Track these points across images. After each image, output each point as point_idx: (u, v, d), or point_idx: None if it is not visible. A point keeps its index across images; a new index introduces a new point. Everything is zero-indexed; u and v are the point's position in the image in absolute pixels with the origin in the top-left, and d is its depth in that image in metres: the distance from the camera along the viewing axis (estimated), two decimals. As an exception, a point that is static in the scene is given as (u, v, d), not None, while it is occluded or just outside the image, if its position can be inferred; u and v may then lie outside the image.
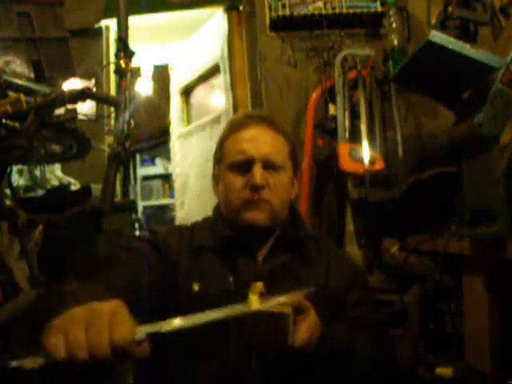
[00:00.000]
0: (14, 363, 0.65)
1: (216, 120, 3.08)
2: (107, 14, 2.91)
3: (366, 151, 2.16)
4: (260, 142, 1.14)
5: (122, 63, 2.09)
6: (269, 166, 1.13)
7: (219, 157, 1.21)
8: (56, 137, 1.90)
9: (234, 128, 1.19)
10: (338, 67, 2.34)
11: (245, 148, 1.13)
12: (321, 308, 0.98)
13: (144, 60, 3.75)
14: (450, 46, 1.35)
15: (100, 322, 0.68)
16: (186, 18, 3.12)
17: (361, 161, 2.13)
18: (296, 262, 1.15)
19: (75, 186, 2.53)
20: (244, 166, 1.13)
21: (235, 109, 2.80)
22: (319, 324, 0.94)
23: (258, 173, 1.11)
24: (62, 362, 0.67)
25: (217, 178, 1.22)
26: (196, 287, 1.06)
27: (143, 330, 0.71)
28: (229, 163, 1.15)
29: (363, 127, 2.23)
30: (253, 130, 1.16)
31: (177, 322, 0.76)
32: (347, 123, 2.27)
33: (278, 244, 1.16)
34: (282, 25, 2.52)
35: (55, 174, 2.54)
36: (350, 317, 1.11)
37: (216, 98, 3.23)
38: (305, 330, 0.90)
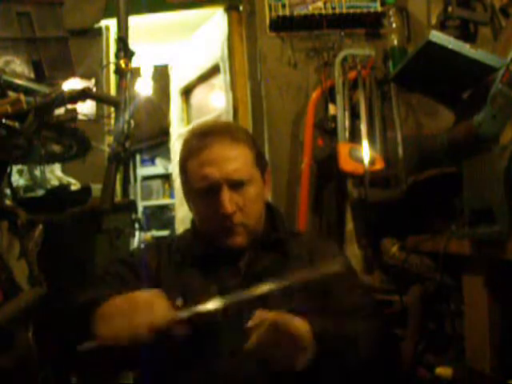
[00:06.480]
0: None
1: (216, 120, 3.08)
2: (107, 14, 2.90)
3: (366, 151, 2.16)
4: (222, 161, 1.09)
5: (122, 63, 2.08)
6: (235, 184, 1.09)
7: (184, 179, 1.17)
8: (56, 137, 1.90)
9: (192, 151, 1.13)
10: (338, 67, 2.34)
11: (207, 173, 1.08)
12: (312, 301, 0.99)
13: (144, 60, 3.74)
14: (450, 46, 1.36)
15: (138, 308, 0.81)
16: (186, 18, 3.12)
17: (361, 161, 2.13)
18: (279, 262, 1.13)
19: (75, 186, 2.52)
20: (210, 192, 1.09)
21: (235, 109, 2.80)
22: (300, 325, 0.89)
23: (225, 200, 1.07)
24: (110, 345, 0.80)
25: (187, 197, 1.20)
26: (179, 303, 1.04)
27: (184, 313, 0.85)
28: (195, 189, 1.12)
29: (363, 127, 2.23)
30: (212, 149, 1.09)
31: (215, 303, 0.88)
32: (347, 123, 2.27)
33: (260, 247, 1.15)
34: (282, 25, 2.51)
35: (55, 174, 2.54)
36: (337, 301, 1.07)
37: (216, 98, 3.23)
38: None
